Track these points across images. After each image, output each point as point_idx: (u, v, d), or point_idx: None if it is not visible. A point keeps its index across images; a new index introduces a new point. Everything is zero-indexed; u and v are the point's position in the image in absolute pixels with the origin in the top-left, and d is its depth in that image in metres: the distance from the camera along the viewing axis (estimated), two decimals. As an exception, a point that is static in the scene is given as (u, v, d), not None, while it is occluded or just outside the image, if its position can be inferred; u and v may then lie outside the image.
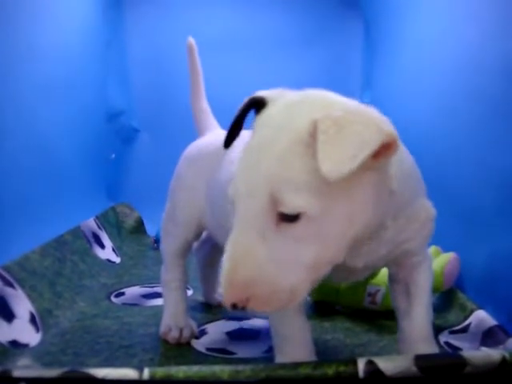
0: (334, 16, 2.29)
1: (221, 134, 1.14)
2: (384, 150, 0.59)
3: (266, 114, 0.67)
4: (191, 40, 1.19)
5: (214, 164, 1.02)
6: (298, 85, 2.33)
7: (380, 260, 0.77)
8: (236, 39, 2.25)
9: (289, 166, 0.59)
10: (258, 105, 0.70)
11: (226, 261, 0.62)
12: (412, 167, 0.77)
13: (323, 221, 0.60)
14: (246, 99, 0.71)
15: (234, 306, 0.62)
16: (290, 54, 2.27)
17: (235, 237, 0.62)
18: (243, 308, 0.62)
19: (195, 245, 1.23)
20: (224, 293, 0.62)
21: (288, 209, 0.59)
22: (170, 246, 1.12)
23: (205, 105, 1.22)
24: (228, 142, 0.74)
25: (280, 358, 0.80)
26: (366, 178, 0.61)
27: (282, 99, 0.67)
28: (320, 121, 0.58)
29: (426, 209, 0.79)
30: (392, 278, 0.86)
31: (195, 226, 1.08)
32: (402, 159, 0.71)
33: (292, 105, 0.65)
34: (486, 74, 1.15)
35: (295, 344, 0.80)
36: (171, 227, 1.11)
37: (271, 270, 0.60)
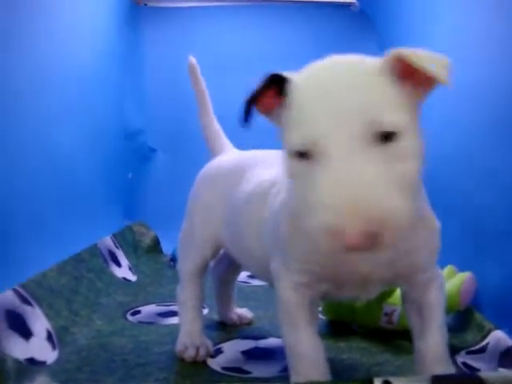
0: (348, 37, 2.31)
1: (236, 153, 1.15)
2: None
3: (308, 77, 0.67)
4: (192, 60, 1.17)
5: (232, 182, 1.03)
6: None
7: (386, 269, 0.77)
8: (254, 58, 2.27)
9: (377, 91, 0.61)
10: (276, 83, 0.69)
11: (327, 187, 0.57)
12: None
13: (412, 138, 0.61)
14: (264, 77, 0.70)
15: (354, 248, 0.55)
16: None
17: (335, 163, 0.58)
18: (364, 248, 0.56)
19: (212, 263, 1.24)
20: (340, 226, 0.55)
21: (388, 126, 0.59)
22: (187, 265, 1.12)
23: (215, 125, 1.20)
24: (247, 118, 0.70)
25: (295, 378, 0.80)
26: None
27: (306, 70, 0.69)
28: (395, 51, 0.63)
29: (432, 219, 0.79)
30: (404, 298, 0.85)
31: (213, 245, 1.09)
32: None
33: (335, 59, 0.67)
34: (498, 94, 1.16)
35: (309, 363, 0.80)
36: (189, 246, 1.12)
37: (387, 193, 0.57)
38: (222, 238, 1.06)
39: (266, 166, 0.98)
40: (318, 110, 0.61)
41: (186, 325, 1.11)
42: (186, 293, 1.12)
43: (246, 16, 2.34)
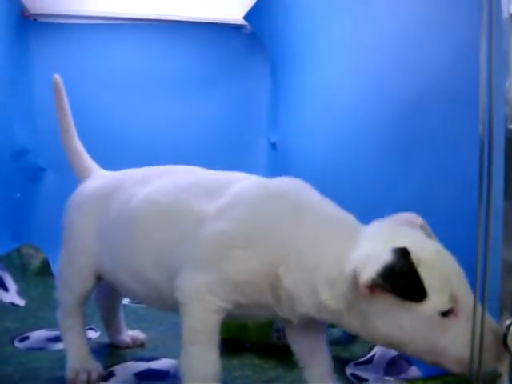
0: (241, 58, 2.38)
1: (105, 176, 1.13)
2: None
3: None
4: (57, 77, 1.15)
5: (104, 208, 1.02)
6: (208, 122, 2.35)
7: None
8: (144, 76, 2.27)
9: None
10: None
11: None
12: None
13: None
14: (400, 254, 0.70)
15: None
16: (199, 94, 2.31)
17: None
18: None
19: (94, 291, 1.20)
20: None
21: None
22: (69, 297, 1.10)
23: (78, 145, 1.18)
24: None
25: None
26: None
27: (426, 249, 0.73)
28: None
29: None
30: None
31: (93, 277, 1.06)
32: None
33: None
34: (383, 117, 1.22)
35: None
36: (68, 277, 1.09)
37: None
38: (101, 268, 1.04)
39: (147, 183, 0.98)
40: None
41: (74, 350, 1.08)
42: (70, 321, 1.10)
43: (138, 34, 2.33)
